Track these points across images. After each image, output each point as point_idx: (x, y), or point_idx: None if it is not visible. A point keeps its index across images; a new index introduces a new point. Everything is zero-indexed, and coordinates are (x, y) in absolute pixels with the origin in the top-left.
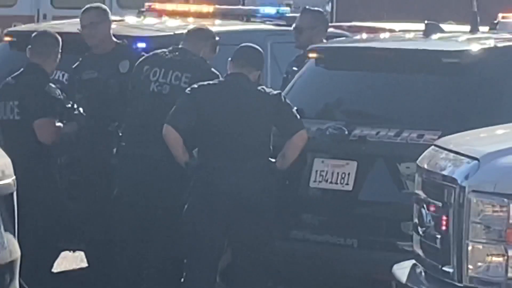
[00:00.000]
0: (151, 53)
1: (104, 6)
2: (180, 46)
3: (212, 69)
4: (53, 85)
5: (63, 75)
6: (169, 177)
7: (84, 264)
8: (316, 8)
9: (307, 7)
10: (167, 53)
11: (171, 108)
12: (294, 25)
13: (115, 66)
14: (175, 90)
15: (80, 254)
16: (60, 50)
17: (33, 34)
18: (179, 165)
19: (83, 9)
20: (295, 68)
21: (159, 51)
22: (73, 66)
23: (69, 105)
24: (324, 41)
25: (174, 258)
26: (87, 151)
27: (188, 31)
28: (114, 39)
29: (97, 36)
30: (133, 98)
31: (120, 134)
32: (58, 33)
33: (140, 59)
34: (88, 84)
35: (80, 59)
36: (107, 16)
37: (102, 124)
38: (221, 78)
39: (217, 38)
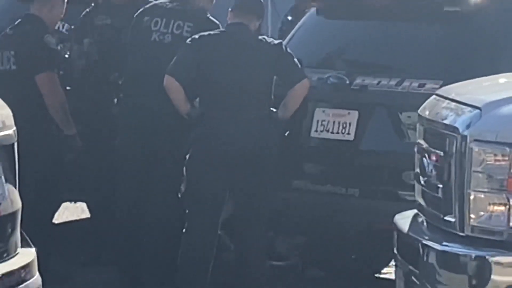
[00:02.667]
0: (150, 4)
1: None
2: None
3: (212, 19)
4: (50, 36)
5: (63, 26)
6: (169, 127)
7: (85, 215)
8: None
9: None
10: (167, 3)
11: (173, 57)
12: None
13: (130, 17)
14: (177, 40)
15: (81, 205)
16: (64, 4)
17: None
18: (179, 115)
19: None
20: (289, 18)
21: (158, 1)
22: (85, 11)
23: (67, 56)
24: None
25: (174, 209)
26: (88, 101)
27: None
28: None
29: None
30: (133, 49)
31: (120, 84)
32: None
33: (139, 11)
34: (100, 30)
35: (93, 4)
36: None
37: (106, 73)
38: (221, 28)
39: None
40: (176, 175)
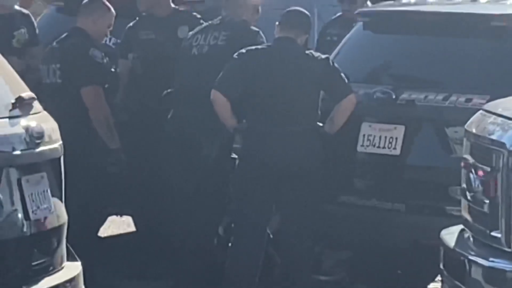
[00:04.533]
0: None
1: None
2: (223, 16)
3: (252, 27)
4: (96, 50)
5: (109, 39)
6: (214, 140)
7: (131, 228)
8: None
9: None
10: (210, 22)
11: (211, 67)
12: None
13: (173, 30)
14: (213, 49)
15: (127, 219)
16: (111, 17)
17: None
18: (224, 127)
19: None
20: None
21: (209, 22)
22: (129, 25)
23: (113, 70)
24: (369, 4)
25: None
26: (132, 115)
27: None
28: (172, 4)
29: (159, 3)
30: (179, 65)
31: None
32: None
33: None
34: (145, 44)
35: (137, 18)
36: None
37: (153, 87)
38: (269, 43)
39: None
40: (222, 187)
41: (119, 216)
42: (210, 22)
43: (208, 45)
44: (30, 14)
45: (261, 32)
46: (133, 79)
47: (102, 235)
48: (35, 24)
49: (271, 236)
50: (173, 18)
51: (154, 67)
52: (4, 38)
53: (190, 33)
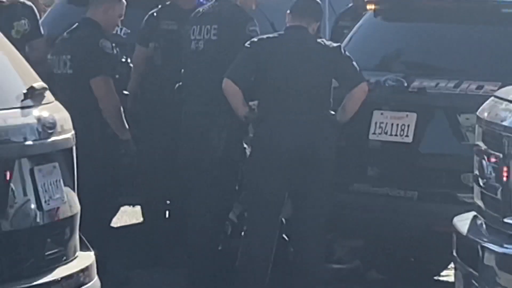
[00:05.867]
0: (194, 12)
1: None
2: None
3: (243, 14)
4: (106, 40)
5: (121, 30)
6: (222, 132)
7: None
8: None
9: None
10: (205, 8)
11: (208, 63)
12: None
13: None
14: (207, 44)
15: (140, 209)
16: (122, 7)
17: None
18: (231, 120)
19: None
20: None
21: (200, 7)
22: (151, 13)
23: (123, 60)
24: None
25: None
26: (148, 105)
27: None
28: None
29: None
30: (183, 59)
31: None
32: None
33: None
34: (166, 34)
35: (160, 6)
36: None
37: (169, 79)
38: (280, 31)
39: None
40: (231, 178)
41: (131, 206)
42: (203, 8)
43: (203, 40)
44: (33, 6)
45: (254, 20)
46: (150, 68)
47: (115, 225)
48: (38, 16)
49: (284, 223)
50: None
51: (174, 58)
52: (3, 29)
53: (187, 25)
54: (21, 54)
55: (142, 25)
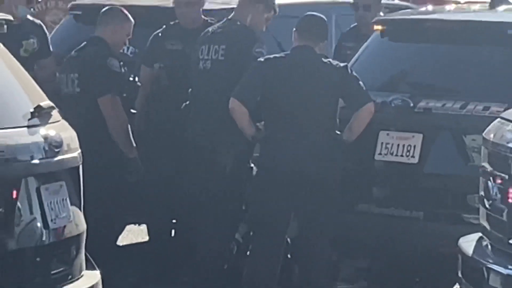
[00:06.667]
0: (204, 32)
1: None
2: (230, 17)
3: (251, 35)
4: (114, 59)
5: (127, 48)
6: (230, 151)
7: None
8: None
9: None
10: (215, 27)
11: (217, 83)
12: (351, 1)
13: None
14: (215, 65)
15: (145, 228)
16: (130, 26)
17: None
18: (239, 140)
19: None
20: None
21: (210, 27)
22: (155, 33)
23: (131, 79)
24: (382, 14)
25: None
26: (154, 125)
27: None
28: (202, 16)
29: (192, 16)
30: (191, 78)
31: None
32: (124, 6)
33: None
34: (171, 54)
35: (164, 26)
36: None
37: (175, 99)
38: (287, 51)
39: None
40: (238, 196)
41: (137, 224)
42: (214, 27)
43: (211, 60)
44: (43, 25)
45: (261, 40)
46: (157, 89)
47: (120, 244)
48: (47, 35)
49: (289, 243)
50: (202, 30)
51: (180, 78)
52: (12, 47)
53: (196, 45)
54: (29, 72)
55: (147, 46)
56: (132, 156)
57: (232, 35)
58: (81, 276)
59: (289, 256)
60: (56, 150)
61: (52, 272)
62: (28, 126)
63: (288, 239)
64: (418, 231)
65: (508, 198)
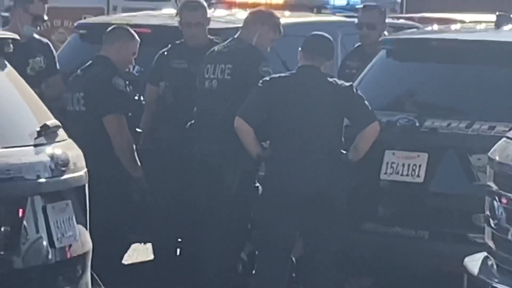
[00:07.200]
0: (209, 51)
1: (205, 4)
2: (236, 36)
3: (257, 54)
4: (120, 78)
5: (133, 67)
6: (236, 170)
7: None
8: (375, 5)
9: (368, 3)
10: (220, 47)
11: (223, 103)
12: (356, 20)
13: None
14: (221, 84)
15: (151, 246)
16: (135, 45)
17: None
18: (244, 159)
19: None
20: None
21: (216, 46)
22: (161, 52)
23: (136, 98)
24: (386, 34)
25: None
26: (162, 142)
27: (245, 18)
28: (208, 35)
29: (200, 36)
30: (196, 97)
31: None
32: (129, 25)
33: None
34: (177, 73)
35: (170, 45)
36: (207, 14)
37: (180, 117)
38: (292, 71)
39: (277, 20)
40: (245, 216)
41: (142, 243)
42: (220, 46)
43: (217, 79)
44: (50, 44)
45: (267, 60)
46: (162, 107)
47: (126, 263)
48: (54, 53)
49: (295, 262)
50: (208, 49)
51: (185, 97)
52: (19, 66)
53: (202, 63)
54: (36, 91)
55: (152, 64)
56: (137, 174)
57: (239, 54)
58: None
59: (294, 275)
60: (63, 169)
61: None
62: (34, 145)
63: (293, 258)
64: (424, 251)
65: None
